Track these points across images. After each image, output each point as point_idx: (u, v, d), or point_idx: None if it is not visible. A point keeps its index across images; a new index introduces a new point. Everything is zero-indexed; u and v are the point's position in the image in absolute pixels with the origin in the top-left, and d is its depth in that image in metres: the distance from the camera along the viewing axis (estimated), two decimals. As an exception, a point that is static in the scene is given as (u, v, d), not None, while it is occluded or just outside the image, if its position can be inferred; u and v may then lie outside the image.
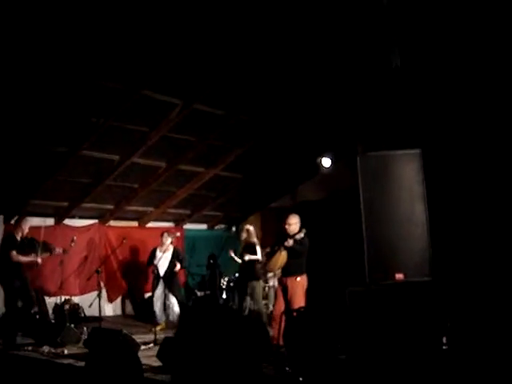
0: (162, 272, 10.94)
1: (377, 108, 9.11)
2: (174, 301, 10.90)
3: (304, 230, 8.18)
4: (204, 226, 15.52)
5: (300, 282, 8.13)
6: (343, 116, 10.31)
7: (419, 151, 6.92)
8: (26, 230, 9.96)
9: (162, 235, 11.26)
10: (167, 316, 10.83)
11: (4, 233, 10.81)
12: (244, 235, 11.06)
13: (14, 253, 9.43)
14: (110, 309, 13.11)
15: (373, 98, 9.06)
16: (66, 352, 8.34)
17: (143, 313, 12.59)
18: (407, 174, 6.89)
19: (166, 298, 10.84)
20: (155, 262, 10.88)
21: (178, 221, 14.54)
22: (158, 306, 10.77)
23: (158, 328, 9.97)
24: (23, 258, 9.65)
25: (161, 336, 8.80)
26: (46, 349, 8.60)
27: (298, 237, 8.10)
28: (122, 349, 2.64)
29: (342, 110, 10.12)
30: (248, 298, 10.98)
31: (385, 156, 6.99)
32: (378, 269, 6.73)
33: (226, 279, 12.48)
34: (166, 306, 10.81)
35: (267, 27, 7.79)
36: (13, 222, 11.16)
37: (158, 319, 10.61)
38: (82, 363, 7.15)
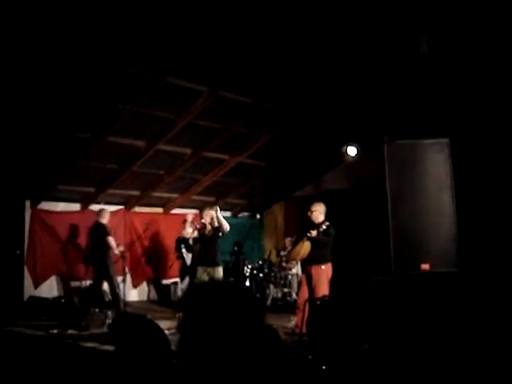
0: (188, 261, 10.91)
1: (404, 96, 9.01)
2: None
3: (327, 223, 8.16)
4: (228, 214, 15.54)
5: (324, 271, 8.13)
6: (370, 104, 10.21)
7: (447, 140, 6.85)
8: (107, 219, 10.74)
9: (185, 223, 11.21)
10: None
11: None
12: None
13: (111, 238, 10.24)
14: (134, 294, 13.21)
15: (400, 86, 8.96)
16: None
17: (167, 299, 12.70)
18: (435, 163, 6.82)
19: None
20: (183, 251, 10.85)
21: (203, 208, 14.57)
22: (184, 292, 10.73)
23: (182, 314, 10.00)
24: (114, 244, 10.42)
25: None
26: (71, 332, 8.70)
27: (321, 228, 8.08)
28: (153, 334, 2.65)
29: (369, 98, 10.02)
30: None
31: (412, 145, 6.93)
32: (404, 259, 6.69)
33: (250, 267, 12.49)
34: None
35: (293, 14, 7.73)
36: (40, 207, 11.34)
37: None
38: (106, 347, 7.26)
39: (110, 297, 11.66)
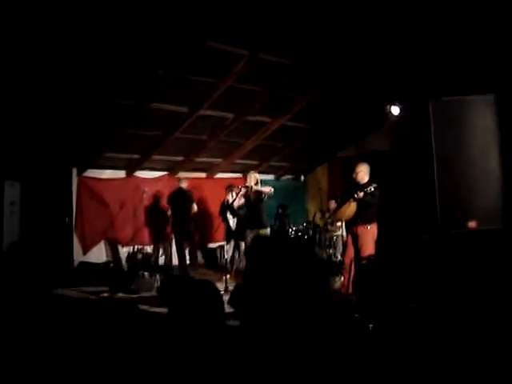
0: (233, 225, 11.03)
1: (448, 52, 8.82)
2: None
3: (375, 184, 8.10)
4: (271, 177, 15.57)
5: (370, 231, 8.11)
6: (413, 61, 10.01)
7: (493, 96, 6.72)
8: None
9: (228, 188, 11.30)
10: (236, 266, 10.95)
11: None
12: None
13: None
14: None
15: (444, 42, 8.76)
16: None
17: (213, 262, 12.87)
18: (481, 119, 6.71)
19: (236, 248, 10.98)
20: (228, 215, 10.96)
21: (246, 172, 14.63)
22: (229, 256, 10.87)
23: (227, 277, 10.17)
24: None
25: (230, 284, 9.00)
26: (120, 295, 8.92)
27: (368, 190, 8.04)
28: (206, 294, 2.68)
29: (412, 54, 9.82)
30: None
31: (458, 101, 6.83)
32: (450, 217, 6.65)
33: (295, 229, 12.53)
34: (233, 257, 10.95)
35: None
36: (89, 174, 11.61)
37: (229, 268, 10.75)
38: (156, 309, 7.43)
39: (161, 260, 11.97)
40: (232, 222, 11.04)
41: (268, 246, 1.87)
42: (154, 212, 12.49)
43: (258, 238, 8.39)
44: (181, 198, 11.71)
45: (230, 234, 11.19)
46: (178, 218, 11.65)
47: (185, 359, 2.43)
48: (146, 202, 12.23)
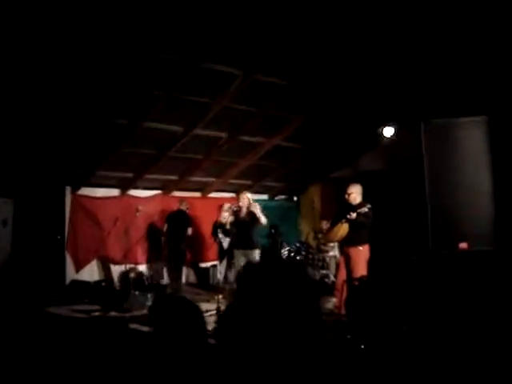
0: (226, 245, 10.99)
1: (440, 74, 8.90)
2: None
3: (368, 205, 8.12)
4: (265, 197, 15.59)
5: (362, 252, 8.13)
6: (405, 83, 10.10)
7: (485, 118, 6.78)
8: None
9: (222, 208, 11.26)
10: (229, 286, 10.88)
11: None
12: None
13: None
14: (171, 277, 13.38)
15: (436, 63, 8.84)
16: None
17: (205, 281, 12.84)
18: (473, 141, 6.77)
19: (228, 268, 10.92)
20: (220, 235, 10.96)
21: (239, 191, 14.65)
22: (222, 275, 10.84)
23: (218, 297, 10.12)
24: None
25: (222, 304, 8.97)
26: (112, 314, 8.88)
27: (361, 211, 8.06)
28: (188, 314, 2.71)
29: (404, 77, 9.91)
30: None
31: (450, 123, 6.88)
32: (442, 238, 6.68)
33: (287, 249, 12.54)
34: (226, 277, 10.90)
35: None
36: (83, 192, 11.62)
37: (222, 287, 10.67)
38: (147, 328, 7.40)
39: (149, 280, 11.95)
40: (225, 241, 11.03)
41: (259, 271, 1.89)
42: (147, 231, 12.50)
43: (248, 264, 8.37)
44: (178, 219, 11.97)
45: (222, 254, 11.20)
46: (172, 237, 11.84)
47: (167, 376, 2.45)
48: (140, 220, 12.23)
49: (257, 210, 9.58)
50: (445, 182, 6.74)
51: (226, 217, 10.49)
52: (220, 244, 11.22)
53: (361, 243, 8.18)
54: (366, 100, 11.02)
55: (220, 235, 11.04)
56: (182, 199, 12.65)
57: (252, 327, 1.74)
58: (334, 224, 8.47)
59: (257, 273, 1.92)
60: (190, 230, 12.08)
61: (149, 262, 12.54)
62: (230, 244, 10.73)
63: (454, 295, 6.28)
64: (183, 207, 12.28)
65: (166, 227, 12.15)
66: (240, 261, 9.78)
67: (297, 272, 1.86)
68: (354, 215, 8.03)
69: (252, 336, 1.73)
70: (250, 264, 2.88)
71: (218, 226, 11.18)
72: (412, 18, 7.99)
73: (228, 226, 10.44)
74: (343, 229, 8.17)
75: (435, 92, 9.11)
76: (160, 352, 2.56)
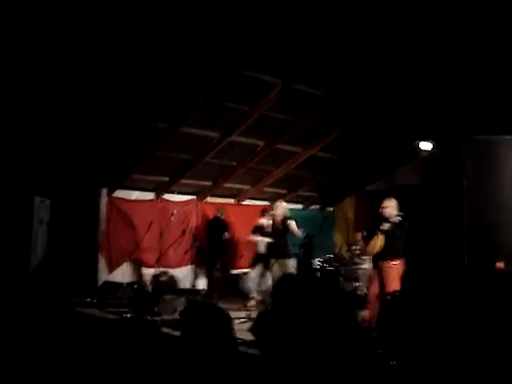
0: (261, 250, 10.76)
1: (482, 91, 8.78)
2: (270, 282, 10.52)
3: (401, 213, 8.04)
4: (299, 206, 15.55)
5: (396, 266, 8.02)
6: (445, 98, 10.01)
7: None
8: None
9: (263, 215, 11.22)
10: (261, 295, 10.76)
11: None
12: None
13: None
14: (203, 282, 13.39)
15: (478, 80, 8.74)
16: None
17: (235, 288, 12.81)
18: (512, 159, 6.67)
19: (262, 276, 10.73)
20: (257, 238, 10.75)
21: (273, 200, 14.62)
22: (254, 282, 10.68)
23: (250, 304, 10.06)
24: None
25: (253, 311, 8.94)
26: (143, 317, 8.90)
27: (393, 220, 7.98)
28: (218, 321, 2.71)
29: (445, 92, 9.82)
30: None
31: (490, 141, 6.78)
32: (478, 255, 6.57)
33: (320, 260, 12.43)
34: (261, 284, 10.74)
35: (370, 6, 7.64)
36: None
37: (251, 295, 10.63)
38: (179, 332, 7.41)
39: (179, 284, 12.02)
40: (261, 245, 10.80)
41: (296, 286, 1.88)
42: (180, 235, 12.55)
43: (285, 276, 8.37)
44: (216, 225, 12.44)
45: (256, 260, 11.00)
46: (211, 244, 12.26)
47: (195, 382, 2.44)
48: (174, 224, 12.28)
49: (293, 225, 9.66)
50: (484, 200, 6.64)
51: (266, 221, 10.48)
52: (256, 249, 10.99)
53: (395, 257, 8.07)
54: (404, 113, 10.94)
55: (258, 238, 10.81)
56: (219, 207, 12.96)
57: (291, 338, 1.73)
58: (368, 238, 8.37)
59: (293, 285, 1.91)
60: (226, 234, 12.49)
61: (181, 266, 12.57)
62: (268, 252, 10.60)
63: (488, 314, 6.16)
64: (220, 214, 12.67)
65: (204, 233, 12.57)
66: (274, 268, 9.77)
67: (332, 285, 1.85)
68: (386, 225, 7.95)
69: (290, 346, 1.72)
70: (286, 276, 2.88)
71: (256, 228, 10.98)
72: (456, 32, 7.91)
73: (267, 229, 10.45)
74: (379, 241, 8.08)
75: (476, 108, 8.99)
76: (188, 357, 2.56)
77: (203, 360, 2.58)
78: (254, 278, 10.79)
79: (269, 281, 10.60)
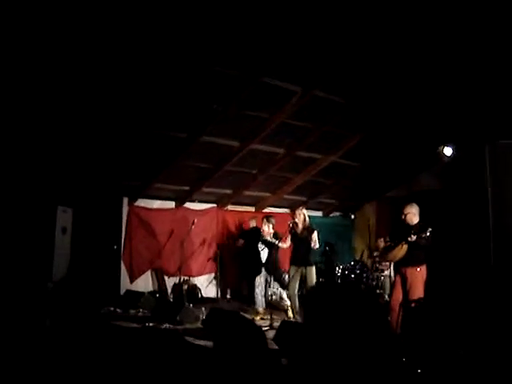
0: (263, 258, 10.59)
1: (505, 94, 8.70)
2: (278, 289, 10.25)
3: (430, 229, 7.92)
4: (319, 214, 15.52)
5: (420, 273, 7.94)
6: (468, 103, 9.92)
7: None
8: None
9: (262, 221, 11.00)
10: (266, 303, 10.40)
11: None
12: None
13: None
14: (225, 291, 13.40)
15: (502, 83, 8.65)
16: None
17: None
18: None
19: (267, 285, 10.47)
20: (260, 246, 10.62)
21: (294, 207, 14.59)
22: (261, 289, 10.37)
23: (258, 318, 9.92)
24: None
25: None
26: (166, 326, 8.92)
27: (424, 235, 7.87)
28: (252, 334, 2.70)
29: (467, 96, 9.74)
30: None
31: (515, 145, 6.72)
32: (505, 262, 6.49)
33: (341, 267, 12.39)
34: (266, 293, 10.44)
35: (387, 13, 7.60)
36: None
37: (258, 306, 10.31)
38: (201, 341, 7.43)
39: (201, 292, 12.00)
40: (263, 253, 10.65)
41: (327, 296, 1.88)
42: (201, 243, 12.58)
43: (315, 288, 8.54)
44: (253, 235, 12.02)
45: (259, 267, 10.71)
46: (247, 253, 11.89)
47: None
48: (194, 233, 12.30)
49: (315, 236, 9.67)
50: (509, 205, 6.56)
51: (268, 229, 10.42)
52: (258, 256, 10.78)
53: (418, 264, 7.99)
54: (425, 118, 10.87)
55: (260, 245, 10.67)
56: (253, 216, 13.17)
57: (324, 347, 1.73)
58: (392, 246, 8.29)
59: (324, 295, 1.90)
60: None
61: (202, 274, 12.59)
62: (271, 259, 10.46)
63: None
64: (253, 224, 12.79)
65: (241, 243, 12.55)
66: (295, 276, 9.72)
67: (365, 297, 1.84)
68: (414, 237, 7.85)
69: (326, 355, 1.72)
70: (319, 285, 2.88)
71: (259, 237, 10.82)
72: (481, 35, 7.85)
73: (268, 238, 10.42)
74: (403, 250, 8.01)
75: (500, 112, 8.90)
76: (224, 368, 2.56)
77: (242, 371, 2.58)
78: (260, 285, 10.43)
79: (276, 290, 10.35)
